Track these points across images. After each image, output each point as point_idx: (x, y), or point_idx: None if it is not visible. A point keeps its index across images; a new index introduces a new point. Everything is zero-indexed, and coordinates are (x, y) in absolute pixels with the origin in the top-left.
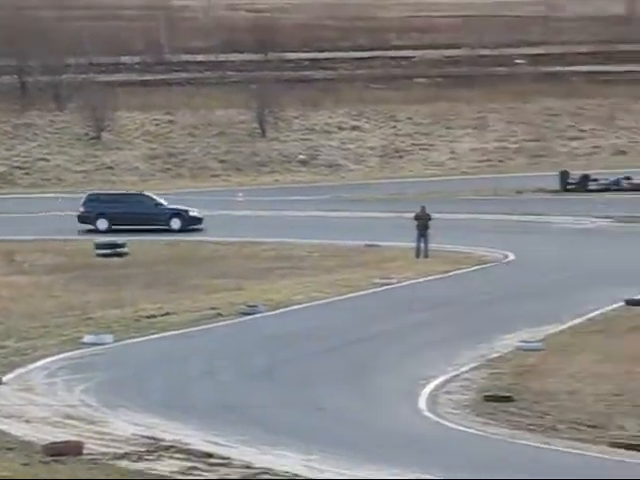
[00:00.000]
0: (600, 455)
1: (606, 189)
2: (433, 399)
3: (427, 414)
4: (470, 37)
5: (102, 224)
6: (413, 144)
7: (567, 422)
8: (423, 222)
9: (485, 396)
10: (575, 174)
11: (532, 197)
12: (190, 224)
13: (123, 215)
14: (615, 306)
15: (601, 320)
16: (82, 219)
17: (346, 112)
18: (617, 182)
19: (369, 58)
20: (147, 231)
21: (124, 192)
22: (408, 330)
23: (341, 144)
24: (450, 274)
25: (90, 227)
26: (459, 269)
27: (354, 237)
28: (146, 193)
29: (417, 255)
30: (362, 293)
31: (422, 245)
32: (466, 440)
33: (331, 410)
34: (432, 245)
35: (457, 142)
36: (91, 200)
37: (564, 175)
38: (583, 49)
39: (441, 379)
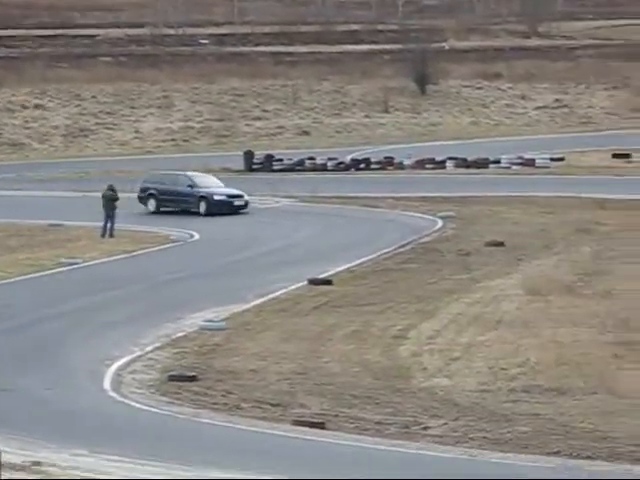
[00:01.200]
0: (283, 433)
1: (290, 169)
2: (118, 379)
3: (112, 394)
4: (154, 16)
5: (151, 205)
6: (98, 123)
7: (251, 401)
8: (110, 201)
9: (170, 375)
10: (260, 154)
11: (217, 177)
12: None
13: (166, 196)
14: (298, 285)
15: (285, 299)
16: (139, 200)
17: (29, 91)
18: (301, 162)
19: (52, 36)
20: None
21: (170, 172)
22: (93, 310)
23: (24, 122)
24: (136, 253)
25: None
26: (145, 248)
27: (38, 216)
28: (188, 173)
29: (103, 234)
30: (47, 273)
31: (109, 224)
32: (151, 419)
33: (15, 390)
34: (119, 225)
35: (141, 122)
36: (145, 180)
37: (248, 155)
38: (267, 29)
39: (126, 359)
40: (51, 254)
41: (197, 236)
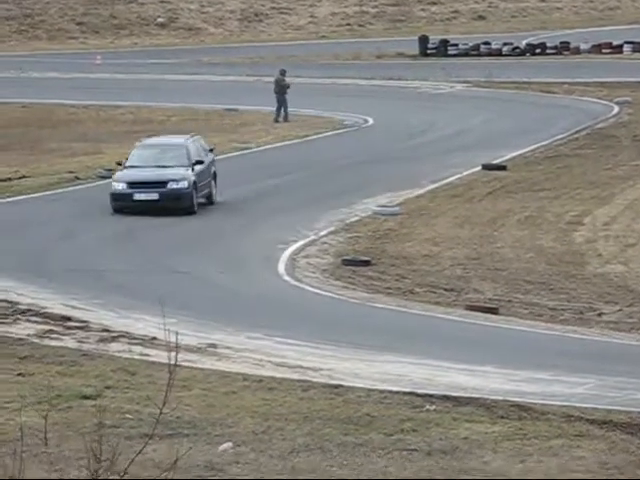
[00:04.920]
0: (457, 318)
1: (465, 54)
2: (292, 263)
3: (286, 278)
4: None
5: None
6: (273, 7)
7: (425, 285)
8: (282, 86)
9: (343, 260)
10: (434, 39)
11: (392, 62)
12: None
13: None
14: (473, 171)
15: (459, 184)
16: None
17: None
18: (476, 47)
19: None
20: None
21: None
22: (267, 194)
23: (200, 7)
24: (309, 138)
25: None
26: (318, 133)
27: (214, 101)
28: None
29: (276, 119)
30: (220, 157)
31: (282, 109)
32: (325, 303)
33: (192, 275)
34: (292, 109)
35: (316, 6)
36: None
37: (423, 40)
38: None
39: (300, 243)
40: (225, 139)
41: (371, 121)
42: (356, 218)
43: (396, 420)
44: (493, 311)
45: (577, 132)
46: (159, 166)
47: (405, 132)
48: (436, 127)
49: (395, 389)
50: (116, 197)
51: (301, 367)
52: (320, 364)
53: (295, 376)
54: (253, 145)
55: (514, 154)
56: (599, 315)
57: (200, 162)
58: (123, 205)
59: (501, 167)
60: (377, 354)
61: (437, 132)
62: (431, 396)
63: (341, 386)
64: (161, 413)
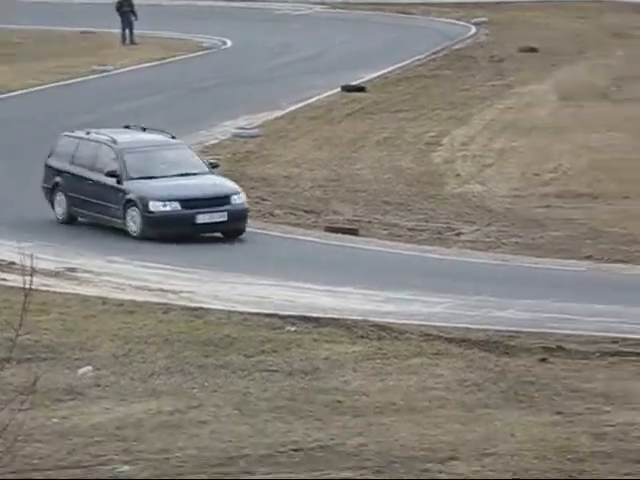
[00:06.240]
0: (318, 240)
1: None
2: None
3: None
4: None
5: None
6: None
7: (285, 207)
8: (126, 6)
9: None
10: None
11: None
12: None
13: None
14: (332, 92)
15: (318, 106)
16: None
17: None
18: None
19: None
20: None
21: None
22: (125, 118)
23: None
24: (167, 61)
25: None
26: (176, 56)
27: (71, 24)
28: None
29: (123, 41)
30: (79, 80)
31: (127, 31)
32: None
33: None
34: (146, 31)
35: None
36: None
37: None
38: None
39: None
40: (83, 61)
41: (230, 43)
42: (215, 141)
43: (257, 342)
44: (353, 232)
45: (435, 53)
46: (182, 174)
47: (264, 54)
48: (295, 49)
49: (256, 311)
50: (165, 221)
51: (162, 290)
52: (181, 287)
53: (155, 299)
54: (111, 68)
55: (373, 75)
56: (457, 235)
57: (216, 165)
58: (177, 231)
59: (360, 88)
60: (238, 277)
61: (296, 54)
62: (292, 317)
63: (201, 308)
64: (18, 336)
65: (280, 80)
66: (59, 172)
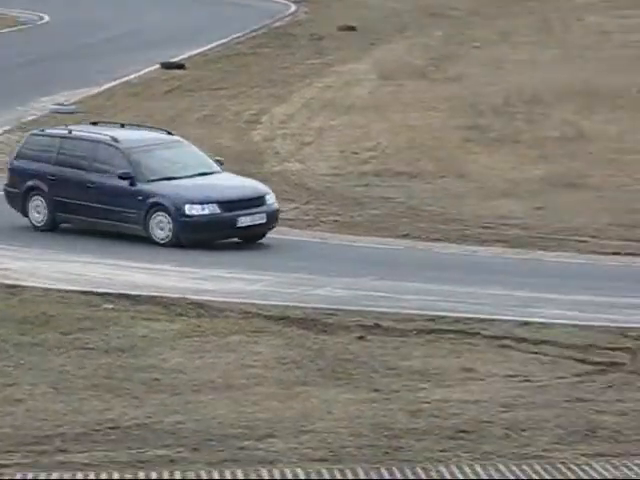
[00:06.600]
0: None
1: None
2: None
3: None
4: None
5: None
6: None
7: None
8: None
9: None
10: None
11: None
12: None
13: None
14: (151, 69)
15: (137, 83)
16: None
17: None
18: None
19: None
20: None
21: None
22: None
23: None
24: None
25: None
26: None
27: None
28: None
29: None
30: None
31: None
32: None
33: None
34: None
35: None
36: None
37: None
38: None
39: None
40: None
41: (47, 18)
42: (33, 117)
43: (74, 319)
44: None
45: (255, 31)
46: (201, 174)
47: (82, 30)
48: (113, 24)
49: (73, 288)
50: (204, 226)
51: None
52: None
53: None
54: None
55: (192, 52)
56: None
57: (222, 162)
58: (217, 236)
59: (180, 66)
60: (55, 254)
61: (114, 29)
62: (109, 295)
63: (18, 286)
64: None
65: (98, 56)
66: (34, 175)
